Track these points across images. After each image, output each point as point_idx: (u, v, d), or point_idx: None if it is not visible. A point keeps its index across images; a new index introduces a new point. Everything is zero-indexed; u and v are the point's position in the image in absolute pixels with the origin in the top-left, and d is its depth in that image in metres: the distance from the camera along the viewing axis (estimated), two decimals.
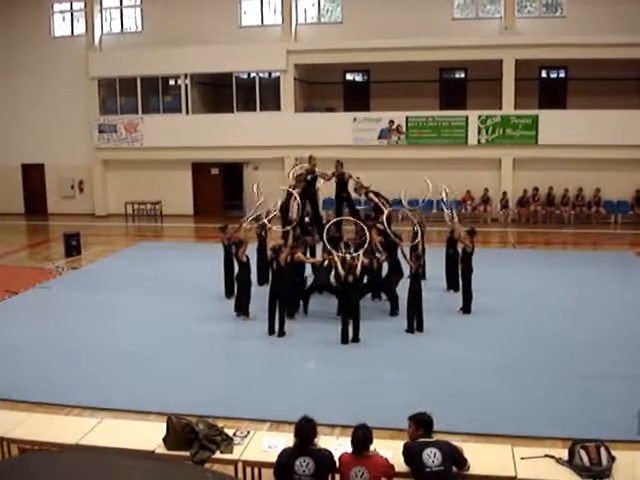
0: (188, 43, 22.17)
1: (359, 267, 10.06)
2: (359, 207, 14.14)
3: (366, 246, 10.45)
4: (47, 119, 24.17)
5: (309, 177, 12.47)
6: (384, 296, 11.73)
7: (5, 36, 24.19)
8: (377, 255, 11.00)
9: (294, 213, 12.28)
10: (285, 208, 12.47)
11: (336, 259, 10.26)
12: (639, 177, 20.72)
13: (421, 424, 5.28)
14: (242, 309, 11.15)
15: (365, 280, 11.14)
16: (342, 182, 12.54)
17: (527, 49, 20.29)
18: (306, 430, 5.11)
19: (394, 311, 11.22)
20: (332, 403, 7.72)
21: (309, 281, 11.99)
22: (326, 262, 11.25)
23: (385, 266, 11.74)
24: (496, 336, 10.13)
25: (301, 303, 11.48)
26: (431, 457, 5.04)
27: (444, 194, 13.05)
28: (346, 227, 12.85)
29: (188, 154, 22.91)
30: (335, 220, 12.12)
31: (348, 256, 10.31)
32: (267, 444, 5.72)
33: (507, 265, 14.96)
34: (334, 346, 9.81)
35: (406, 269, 10.94)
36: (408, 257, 10.81)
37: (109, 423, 6.29)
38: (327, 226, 11.71)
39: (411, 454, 5.17)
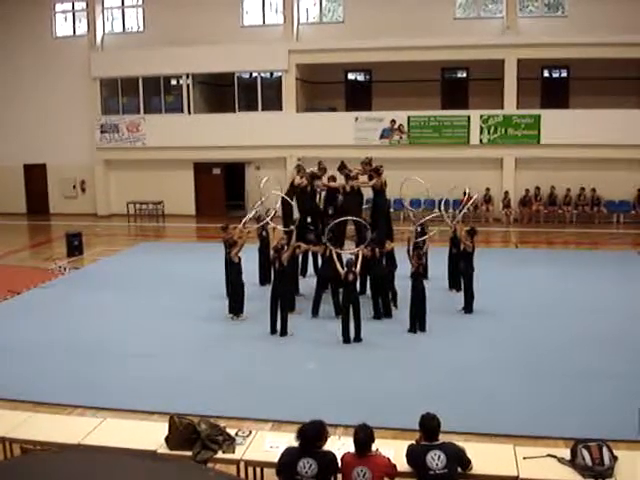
0: (190, 43, 22.16)
1: (359, 266, 10.05)
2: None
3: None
4: (49, 119, 24.18)
5: (313, 182, 12.42)
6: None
7: (7, 36, 24.21)
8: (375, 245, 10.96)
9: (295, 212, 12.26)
10: (287, 206, 12.47)
11: (335, 257, 10.23)
12: None
13: (422, 428, 5.26)
14: (236, 309, 11.17)
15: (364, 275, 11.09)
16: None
17: (529, 49, 20.27)
18: (310, 433, 5.07)
19: (387, 310, 11.07)
20: (334, 403, 7.71)
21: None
22: (327, 252, 11.21)
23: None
24: (498, 336, 10.12)
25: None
26: (435, 460, 5.03)
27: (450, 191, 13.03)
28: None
29: (190, 154, 22.93)
30: (338, 220, 12.00)
31: (348, 253, 10.26)
32: (269, 444, 5.72)
33: (509, 265, 14.94)
34: (336, 346, 9.80)
35: (407, 268, 10.88)
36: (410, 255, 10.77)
37: (111, 423, 6.28)
38: (329, 226, 11.62)
39: (415, 457, 5.16)
